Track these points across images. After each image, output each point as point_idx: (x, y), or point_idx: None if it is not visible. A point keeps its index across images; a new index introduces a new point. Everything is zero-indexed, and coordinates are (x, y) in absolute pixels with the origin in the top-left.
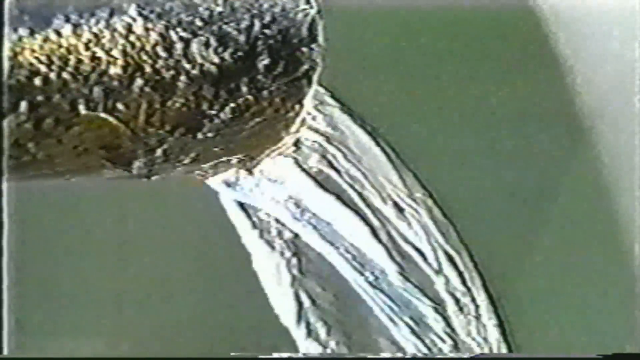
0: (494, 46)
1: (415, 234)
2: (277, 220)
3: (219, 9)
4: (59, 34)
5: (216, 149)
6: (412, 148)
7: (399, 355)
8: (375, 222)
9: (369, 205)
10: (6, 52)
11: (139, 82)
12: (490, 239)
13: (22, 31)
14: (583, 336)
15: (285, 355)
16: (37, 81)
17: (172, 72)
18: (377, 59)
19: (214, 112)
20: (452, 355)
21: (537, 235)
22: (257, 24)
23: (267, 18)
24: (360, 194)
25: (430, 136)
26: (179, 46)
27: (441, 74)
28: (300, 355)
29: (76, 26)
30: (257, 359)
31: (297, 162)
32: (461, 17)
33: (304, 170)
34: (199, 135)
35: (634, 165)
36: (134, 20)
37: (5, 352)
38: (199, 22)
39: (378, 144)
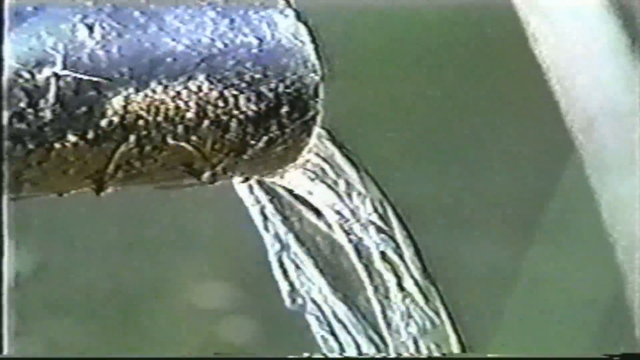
0: (476, 50)
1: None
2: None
3: (258, 75)
4: (154, 91)
5: (253, 167)
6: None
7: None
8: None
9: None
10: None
11: (206, 122)
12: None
13: (131, 89)
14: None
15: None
16: (140, 122)
17: (227, 116)
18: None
19: (253, 142)
20: (452, 355)
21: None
22: (281, 86)
23: (288, 82)
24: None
25: (410, 142)
26: (231, 100)
27: (421, 80)
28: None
29: (165, 87)
30: (254, 359)
31: (304, 173)
32: (442, 20)
33: (308, 177)
34: (244, 157)
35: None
36: (202, 83)
37: (5, 352)
38: (244, 85)
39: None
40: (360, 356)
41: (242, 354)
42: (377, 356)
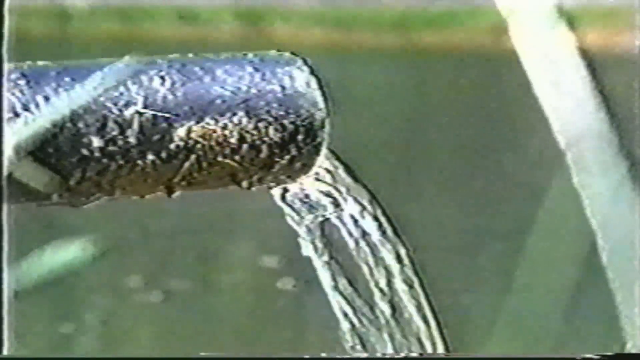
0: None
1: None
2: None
3: (282, 113)
4: (208, 124)
5: (279, 177)
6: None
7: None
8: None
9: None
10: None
11: (245, 146)
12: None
13: (192, 122)
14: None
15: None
16: (198, 146)
17: (259, 142)
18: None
19: (278, 160)
20: (452, 355)
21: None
22: (298, 120)
23: (303, 117)
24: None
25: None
26: (262, 130)
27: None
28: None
29: (216, 121)
30: (252, 359)
31: (315, 180)
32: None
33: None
34: (273, 170)
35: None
36: (242, 118)
37: (5, 352)
38: (271, 119)
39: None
40: (361, 357)
41: (284, 303)
42: (379, 356)
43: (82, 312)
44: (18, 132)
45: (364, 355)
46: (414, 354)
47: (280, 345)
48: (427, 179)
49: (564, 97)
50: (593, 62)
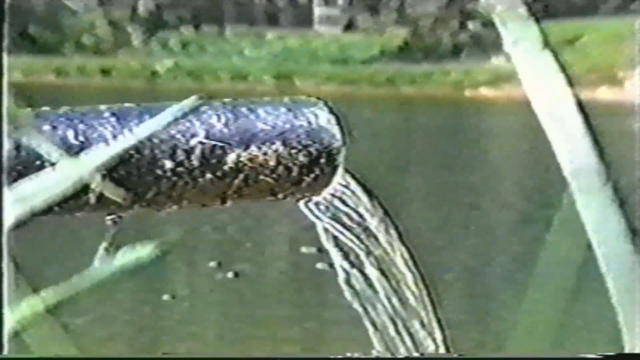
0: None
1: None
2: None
3: (309, 142)
4: (253, 151)
5: (306, 191)
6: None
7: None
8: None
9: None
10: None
11: (280, 168)
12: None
13: (240, 150)
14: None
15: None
16: (245, 167)
17: (292, 164)
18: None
19: (306, 178)
20: (453, 355)
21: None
22: (321, 148)
23: (324, 146)
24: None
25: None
26: (294, 156)
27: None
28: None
29: (259, 148)
30: (254, 359)
31: (333, 193)
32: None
33: (335, 196)
34: (302, 186)
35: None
36: (279, 147)
37: (5, 352)
38: (300, 147)
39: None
40: (363, 356)
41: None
42: (381, 356)
43: (177, 286)
44: (107, 156)
45: (363, 355)
46: (414, 354)
47: (316, 304)
48: (410, 185)
49: (568, 139)
50: (586, 111)
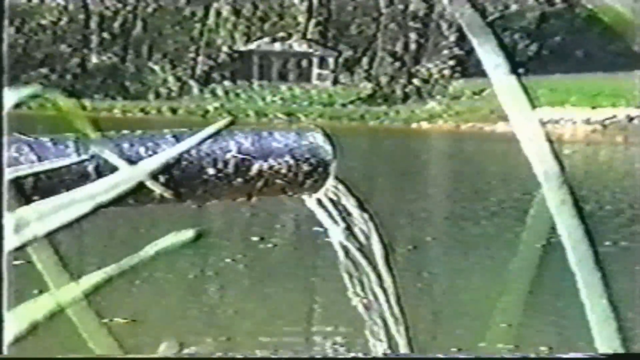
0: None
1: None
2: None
3: (308, 156)
4: (270, 162)
5: (307, 191)
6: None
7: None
8: None
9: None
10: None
11: (290, 174)
12: None
13: (261, 162)
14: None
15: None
16: (265, 174)
17: (297, 171)
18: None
19: (308, 182)
20: (454, 355)
21: None
22: (319, 161)
23: (320, 159)
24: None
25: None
26: (300, 165)
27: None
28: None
29: (275, 160)
30: (257, 359)
31: (325, 193)
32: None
33: (326, 195)
34: (304, 187)
35: None
36: (289, 160)
37: (5, 352)
38: (304, 160)
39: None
40: (364, 356)
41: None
42: (382, 356)
43: (222, 257)
44: (159, 163)
45: (363, 355)
46: (414, 354)
47: (313, 265)
48: (375, 187)
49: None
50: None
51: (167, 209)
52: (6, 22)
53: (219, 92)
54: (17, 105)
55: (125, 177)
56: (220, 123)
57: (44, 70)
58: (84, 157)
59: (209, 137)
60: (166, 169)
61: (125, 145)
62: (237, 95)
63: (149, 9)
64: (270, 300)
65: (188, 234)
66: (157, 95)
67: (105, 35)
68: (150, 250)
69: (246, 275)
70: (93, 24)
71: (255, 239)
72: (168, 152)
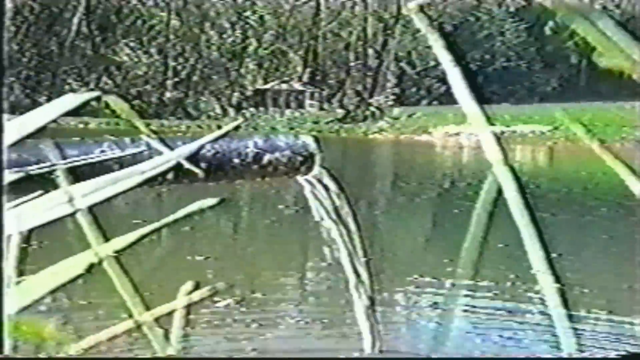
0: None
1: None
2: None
3: (302, 150)
4: (276, 156)
5: (300, 174)
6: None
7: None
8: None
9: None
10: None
11: (289, 163)
12: None
13: (269, 154)
14: None
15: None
16: (272, 164)
17: (295, 161)
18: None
19: (302, 167)
20: (451, 355)
21: None
22: (309, 153)
23: (310, 150)
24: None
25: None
26: (297, 157)
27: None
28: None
29: (279, 154)
30: (252, 359)
31: (314, 175)
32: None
33: (310, 181)
34: (299, 171)
35: None
36: (289, 153)
37: (6, 352)
38: (299, 152)
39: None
40: (364, 356)
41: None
42: (387, 356)
43: (252, 226)
44: (192, 149)
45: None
46: (414, 355)
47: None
48: (351, 180)
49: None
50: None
51: (207, 188)
52: (6, 22)
53: (247, 115)
54: (81, 108)
55: (166, 158)
56: (229, 126)
57: (136, 102)
58: (140, 149)
59: (224, 135)
60: (205, 159)
61: (179, 143)
62: (259, 116)
63: (204, 67)
64: (279, 245)
65: (212, 200)
66: (208, 117)
67: (176, 79)
68: (183, 211)
69: (265, 231)
70: (170, 72)
71: (283, 209)
72: (196, 143)
